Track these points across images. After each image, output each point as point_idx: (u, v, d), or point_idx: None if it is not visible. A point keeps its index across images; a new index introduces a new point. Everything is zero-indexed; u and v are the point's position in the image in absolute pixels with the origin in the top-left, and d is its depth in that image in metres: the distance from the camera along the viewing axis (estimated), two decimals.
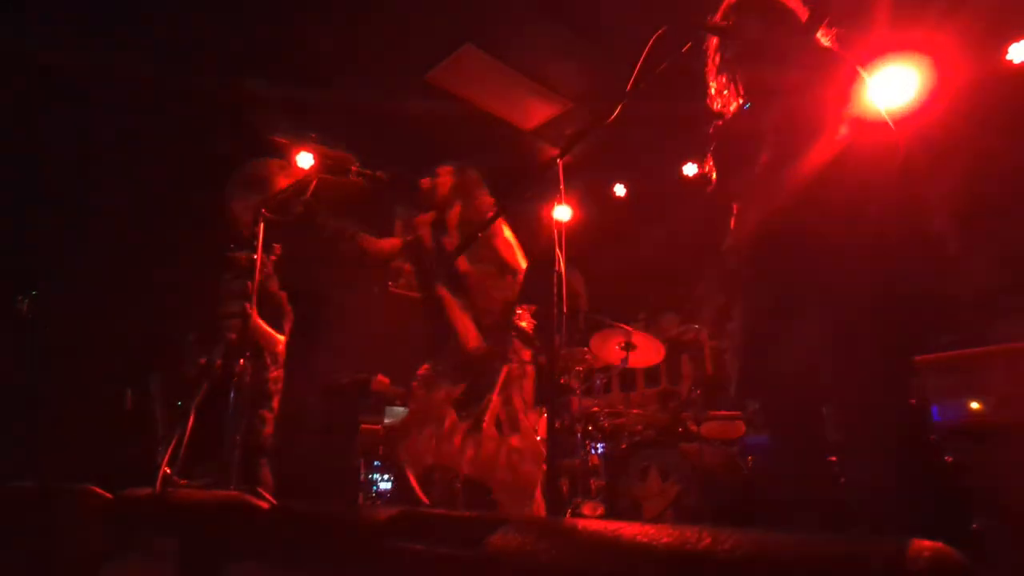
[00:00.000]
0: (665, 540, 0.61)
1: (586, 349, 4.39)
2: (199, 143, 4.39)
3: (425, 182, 3.19)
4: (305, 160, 4.27)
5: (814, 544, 0.53)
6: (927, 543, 0.49)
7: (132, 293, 4.31)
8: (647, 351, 4.24)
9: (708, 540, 0.58)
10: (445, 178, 3.23)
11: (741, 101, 1.96)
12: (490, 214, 3.12)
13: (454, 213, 3.12)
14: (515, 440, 3.05)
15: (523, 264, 3.19)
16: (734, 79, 1.96)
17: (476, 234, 2.71)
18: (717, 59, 2.02)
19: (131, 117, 4.30)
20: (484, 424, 2.94)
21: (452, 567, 0.75)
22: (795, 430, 1.65)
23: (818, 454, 1.63)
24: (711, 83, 2.04)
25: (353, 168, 3.69)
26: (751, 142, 1.78)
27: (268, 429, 3.27)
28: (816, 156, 1.60)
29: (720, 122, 2.02)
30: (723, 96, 2.02)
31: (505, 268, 3.09)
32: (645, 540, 0.62)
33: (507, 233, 3.17)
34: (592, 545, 0.63)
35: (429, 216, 3.23)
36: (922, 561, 0.47)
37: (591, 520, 0.68)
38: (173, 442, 2.69)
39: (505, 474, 2.88)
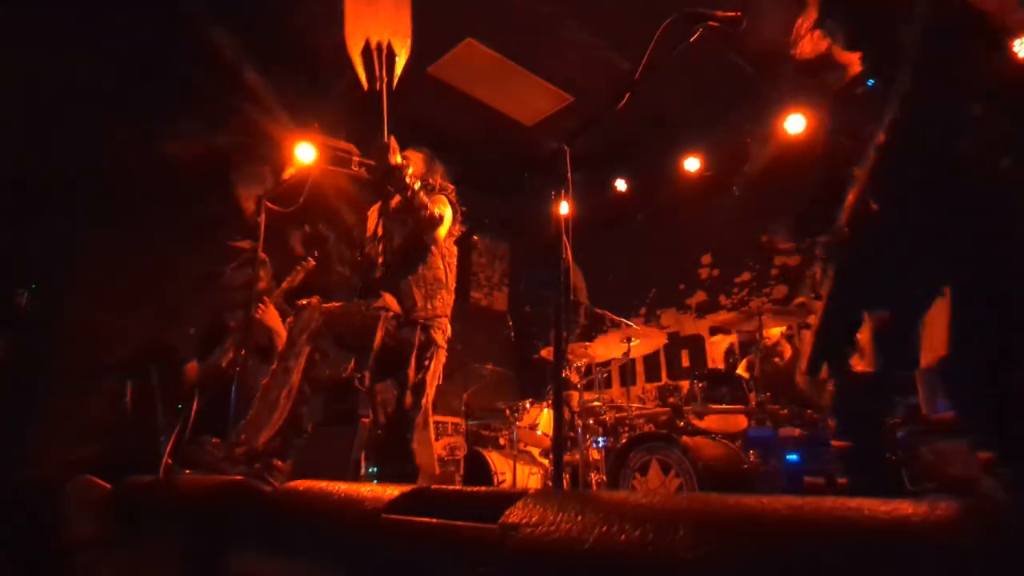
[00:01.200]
0: (691, 507, 0.60)
1: (587, 344, 4.38)
2: (201, 135, 4.37)
3: (394, 161, 3.18)
4: (307, 151, 4.26)
5: (849, 505, 0.52)
6: (983, 503, 0.47)
7: (133, 285, 4.29)
8: (648, 342, 4.24)
9: (744, 504, 0.56)
10: (416, 163, 3.23)
11: (859, 70, 1.87)
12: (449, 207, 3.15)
13: (421, 195, 3.13)
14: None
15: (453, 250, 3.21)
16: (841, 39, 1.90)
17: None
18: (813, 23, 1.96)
19: (134, 109, 4.28)
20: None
21: (470, 540, 0.73)
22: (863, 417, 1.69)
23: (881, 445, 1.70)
24: (805, 33, 1.98)
25: (355, 159, 3.68)
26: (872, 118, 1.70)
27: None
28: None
29: (841, 85, 1.94)
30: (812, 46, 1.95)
31: (429, 244, 3.10)
32: (675, 507, 0.60)
33: (450, 217, 3.17)
34: (615, 515, 0.62)
35: (387, 203, 3.22)
36: (977, 522, 0.46)
37: (612, 492, 0.66)
38: (175, 433, 2.68)
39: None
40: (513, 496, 0.76)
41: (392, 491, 0.93)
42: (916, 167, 1.60)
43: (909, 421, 2.38)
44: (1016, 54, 1.68)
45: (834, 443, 1.81)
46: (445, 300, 3.15)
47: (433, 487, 0.92)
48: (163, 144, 4.13)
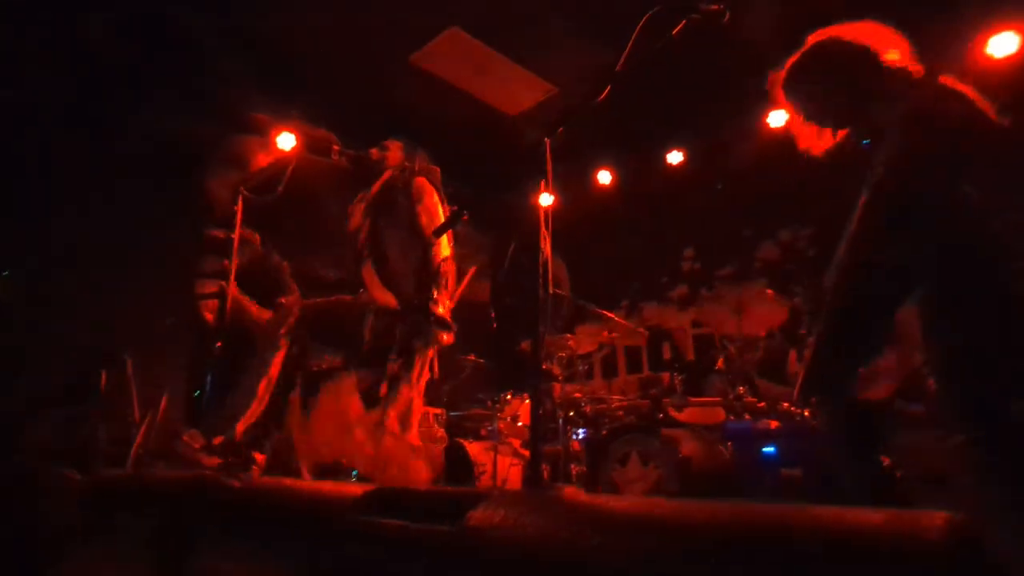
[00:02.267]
0: (658, 512, 0.59)
1: (569, 336, 4.38)
2: (174, 121, 4.27)
3: (374, 152, 3.14)
4: (287, 140, 4.20)
5: (819, 515, 0.51)
6: (942, 513, 0.47)
7: (108, 273, 4.21)
8: (630, 336, 4.25)
9: (705, 511, 0.55)
10: (395, 152, 3.18)
11: (850, 138, 2.01)
12: (435, 193, 3.10)
13: (403, 183, 3.08)
14: (413, 437, 2.97)
15: (442, 244, 3.16)
16: (831, 120, 2.02)
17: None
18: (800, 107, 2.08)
19: (106, 93, 4.17)
20: (388, 420, 2.85)
21: (431, 543, 0.72)
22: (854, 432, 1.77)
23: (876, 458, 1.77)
24: (800, 131, 2.10)
25: (335, 148, 3.63)
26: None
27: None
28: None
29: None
30: (817, 140, 2.07)
31: (416, 232, 3.05)
32: (636, 512, 0.59)
33: (435, 201, 3.13)
34: (580, 518, 0.61)
35: (369, 194, 3.17)
36: (935, 530, 0.46)
37: (578, 493, 0.65)
38: (145, 424, 2.64)
39: (397, 473, 2.80)
40: (477, 497, 0.74)
41: (356, 490, 0.91)
42: (902, 224, 1.72)
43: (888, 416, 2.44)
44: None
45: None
46: (435, 289, 3.12)
47: (398, 487, 0.90)
48: (133, 130, 4.03)
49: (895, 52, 1.88)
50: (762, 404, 3.64)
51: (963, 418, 1.57)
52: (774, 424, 3.69)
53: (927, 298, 1.65)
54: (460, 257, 3.54)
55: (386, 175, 3.07)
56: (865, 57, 1.89)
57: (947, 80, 1.81)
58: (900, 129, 1.75)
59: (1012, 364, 1.53)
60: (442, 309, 3.03)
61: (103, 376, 3.96)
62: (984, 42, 3.97)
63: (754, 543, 0.52)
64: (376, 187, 3.10)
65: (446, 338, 3.02)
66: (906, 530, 0.47)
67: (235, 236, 2.91)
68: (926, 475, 2.20)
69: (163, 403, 2.83)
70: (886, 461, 1.82)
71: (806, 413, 3.46)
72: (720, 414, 3.90)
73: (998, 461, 1.48)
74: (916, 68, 1.87)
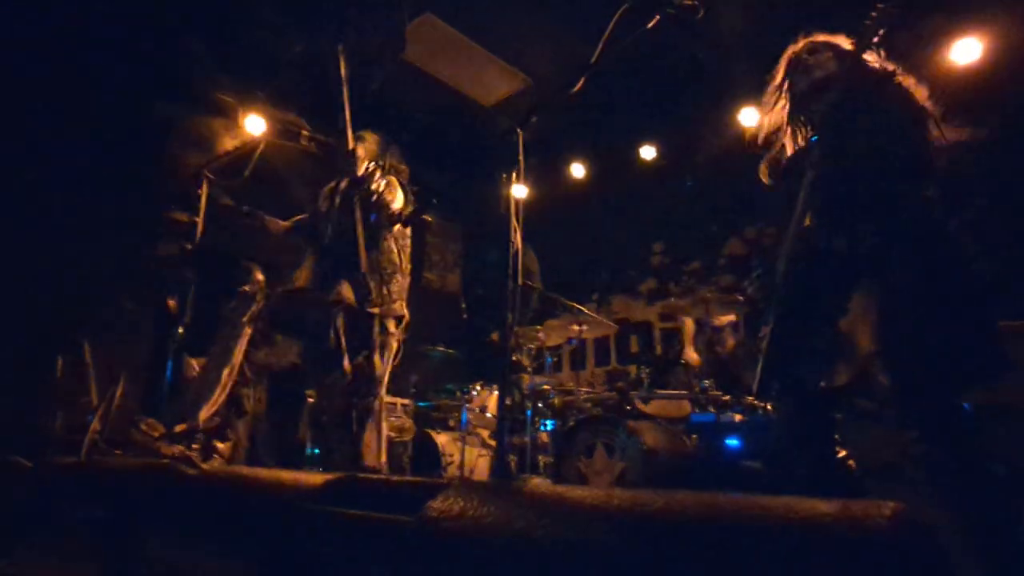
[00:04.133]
0: (615, 502, 0.59)
1: (538, 328, 4.40)
2: (136, 100, 4.13)
3: (350, 141, 3.09)
4: (255, 123, 4.10)
5: (767, 504, 0.52)
6: (890, 503, 0.48)
7: (65, 256, 4.06)
8: (599, 328, 4.28)
9: (661, 501, 0.56)
10: (369, 145, 3.15)
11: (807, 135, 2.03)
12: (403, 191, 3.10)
13: (373, 178, 3.06)
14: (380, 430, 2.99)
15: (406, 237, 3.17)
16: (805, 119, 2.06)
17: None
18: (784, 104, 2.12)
19: (63, 69, 4.01)
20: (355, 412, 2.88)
21: (388, 533, 0.71)
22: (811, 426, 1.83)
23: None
24: (784, 135, 2.13)
25: (304, 133, 3.56)
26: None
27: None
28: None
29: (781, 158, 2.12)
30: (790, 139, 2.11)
31: (383, 225, 3.06)
32: (593, 502, 0.59)
33: (399, 193, 3.13)
34: (537, 508, 0.61)
35: (339, 180, 3.14)
36: (883, 519, 0.47)
37: (538, 483, 0.65)
38: (100, 410, 2.57)
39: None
40: (438, 487, 0.74)
41: (316, 480, 0.89)
42: (848, 205, 1.78)
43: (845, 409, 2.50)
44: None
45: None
46: (400, 284, 3.10)
47: (359, 476, 0.89)
48: (91, 107, 3.88)
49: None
50: (727, 397, 3.70)
51: (907, 412, 1.61)
52: (738, 417, 3.76)
53: (879, 290, 1.68)
54: (432, 247, 3.51)
55: (365, 166, 3.04)
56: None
57: (905, 80, 1.86)
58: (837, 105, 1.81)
59: (956, 361, 1.57)
60: (399, 304, 3.03)
61: (59, 361, 3.83)
62: (948, 48, 4.07)
63: (705, 533, 0.53)
64: (350, 178, 3.06)
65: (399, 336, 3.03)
66: (855, 520, 0.48)
67: (199, 220, 2.83)
68: (878, 466, 2.26)
69: (120, 389, 2.74)
70: (840, 452, 1.87)
71: (768, 407, 3.54)
72: (686, 407, 3.96)
73: (941, 455, 1.52)
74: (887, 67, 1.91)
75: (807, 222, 1.83)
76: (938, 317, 1.59)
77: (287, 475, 0.94)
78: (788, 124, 2.12)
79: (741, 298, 3.88)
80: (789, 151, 2.11)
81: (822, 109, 1.90)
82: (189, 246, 2.79)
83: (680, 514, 0.54)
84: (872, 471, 2.25)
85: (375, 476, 0.87)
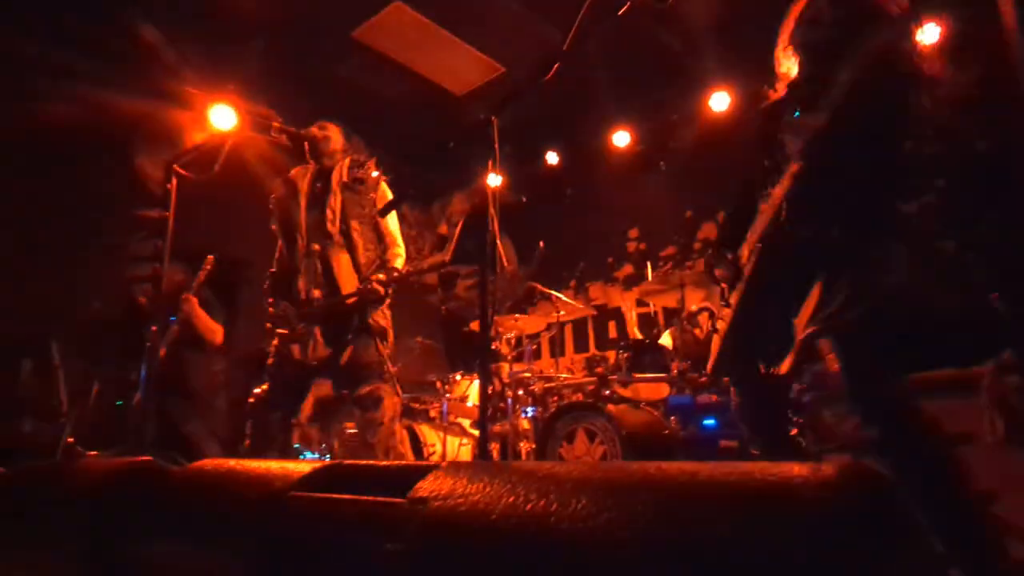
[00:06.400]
0: (599, 475, 0.61)
1: (517, 316, 4.42)
2: (100, 94, 4.01)
3: (314, 131, 3.06)
4: (224, 116, 4.02)
5: (742, 469, 0.54)
6: (850, 461, 0.51)
7: (30, 256, 3.95)
8: (577, 314, 4.31)
9: (644, 471, 0.58)
10: (335, 135, 3.11)
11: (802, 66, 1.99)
12: (372, 173, 3.08)
13: (339, 169, 3.04)
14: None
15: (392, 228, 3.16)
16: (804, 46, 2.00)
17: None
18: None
19: (25, 62, 3.88)
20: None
21: (378, 515, 0.72)
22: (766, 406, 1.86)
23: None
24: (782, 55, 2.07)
25: (275, 125, 3.50)
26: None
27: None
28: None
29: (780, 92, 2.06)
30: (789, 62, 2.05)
31: (376, 224, 3.05)
32: (580, 476, 0.61)
33: (383, 188, 3.13)
34: (522, 486, 0.62)
35: (305, 170, 3.11)
36: (842, 477, 0.49)
37: (524, 462, 0.67)
38: (75, 415, 2.52)
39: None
40: (425, 469, 0.75)
41: (302, 468, 0.90)
42: (830, 193, 1.77)
43: (813, 387, 2.56)
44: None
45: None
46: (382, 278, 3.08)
47: (345, 462, 0.90)
48: (55, 105, 3.77)
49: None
50: (703, 379, 3.77)
51: (852, 395, 1.64)
52: (714, 398, 3.84)
53: (835, 275, 1.71)
54: (408, 237, 3.49)
55: (339, 159, 3.02)
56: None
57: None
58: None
59: (899, 349, 1.61)
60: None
61: (27, 364, 3.74)
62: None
63: (686, 498, 0.55)
64: (328, 169, 3.03)
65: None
66: (826, 479, 0.51)
67: (170, 216, 2.78)
68: (831, 446, 2.33)
69: (95, 392, 2.70)
70: (793, 432, 1.92)
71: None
72: (664, 389, 4.02)
73: (884, 438, 1.55)
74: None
75: (783, 215, 1.84)
76: (884, 309, 1.62)
77: (274, 464, 0.94)
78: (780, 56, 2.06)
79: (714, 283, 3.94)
80: (778, 91, 2.07)
81: (812, 39, 1.89)
82: (161, 243, 2.74)
83: (662, 481, 0.56)
84: (825, 451, 2.32)
85: (362, 462, 0.88)
